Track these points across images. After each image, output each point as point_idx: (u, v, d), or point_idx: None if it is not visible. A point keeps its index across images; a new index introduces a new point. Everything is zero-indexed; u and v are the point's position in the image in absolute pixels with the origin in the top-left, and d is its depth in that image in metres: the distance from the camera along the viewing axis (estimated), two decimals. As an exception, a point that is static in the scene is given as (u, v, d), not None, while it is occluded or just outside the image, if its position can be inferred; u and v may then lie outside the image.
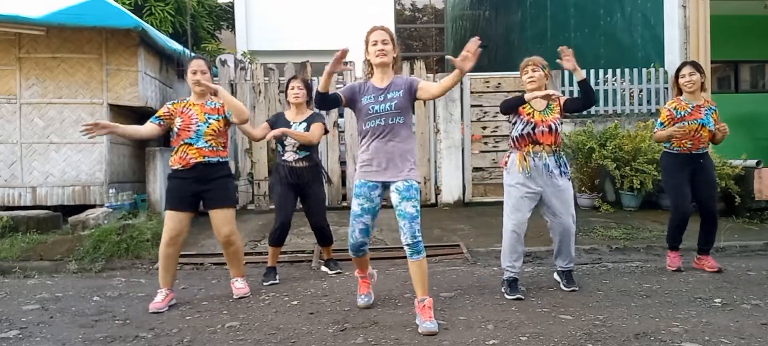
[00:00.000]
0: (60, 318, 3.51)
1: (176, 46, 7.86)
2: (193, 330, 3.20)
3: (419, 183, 3.34)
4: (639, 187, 6.64)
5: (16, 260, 4.94)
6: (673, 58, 7.54)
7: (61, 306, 3.78)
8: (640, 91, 7.80)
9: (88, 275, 4.78)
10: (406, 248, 3.22)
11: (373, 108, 3.27)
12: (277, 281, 4.29)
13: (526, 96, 3.71)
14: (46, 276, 4.73)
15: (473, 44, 2.94)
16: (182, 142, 3.73)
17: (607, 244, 5.25)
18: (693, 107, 4.29)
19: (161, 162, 6.49)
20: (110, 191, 6.43)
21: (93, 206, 6.42)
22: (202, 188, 3.76)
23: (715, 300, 3.59)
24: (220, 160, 3.82)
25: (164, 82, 7.55)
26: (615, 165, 6.69)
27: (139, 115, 7.30)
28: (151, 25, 8.60)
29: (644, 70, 7.87)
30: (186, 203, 3.73)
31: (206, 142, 3.74)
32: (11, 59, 6.58)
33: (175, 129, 3.76)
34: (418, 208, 3.23)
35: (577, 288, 3.86)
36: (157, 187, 6.45)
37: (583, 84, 3.73)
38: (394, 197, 3.25)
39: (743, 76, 9.43)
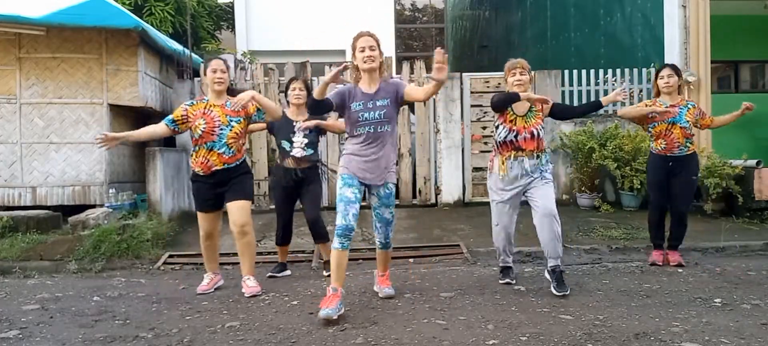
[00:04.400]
0: (60, 318, 3.51)
1: (176, 46, 7.85)
2: (193, 330, 3.20)
3: (396, 183, 3.69)
4: (639, 187, 6.64)
5: (16, 260, 4.94)
6: (673, 58, 7.53)
7: (61, 306, 3.78)
8: (640, 91, 7.79)
9: (88, 275, 4.78)
10: (378, 243, 3.74)
11: (362, 116, 3.43)
12: (286, 272, 4.60)
13: (523, 96, 3.80)
14: (46, 276, 4.73)
15: (439, 54, 3.09)
16: (204, 146, 3.84)
17: (607, 244, 5.25)
18: (667, 107, 4.44)
19: (161, 162, 6.49)
20: (110, 191, 6.42)
21: (93, 206, 6.42)
22: (222, 189, 3.95)
23: (715, 300, 3.59)
24: (238, 163, 3.97)
25: (164, 82, 7.55)
26: (616, 165, 6.69)
27: (139, 114, 7.31)
28: (151, 25, 8.59)
29: (644, 70, 7.87)
30: (210, 204, 3.98)
31: (228, 145, 3.86)
32: (11, 59, 6.57)
33: (199, 132, 3.82)
34: (394, 212, 3.67)
35: (567, 291, 3.72)
36: (157, 187, 6.45)
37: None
38: (374, 200, 3.58)
39: (743, 76, 9.41)
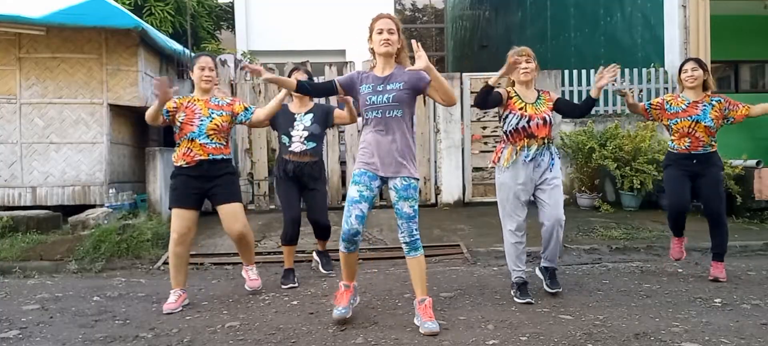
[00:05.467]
0: (60, 318, 3.51)
1: (176, 46, 7.86)
2: (193, 330, 3.20)
3: (417, 180, 3.28)
4: (639, 187, 6.65)
5: (16, 260, 4.94)
6: (673, 58, 7.54)
7: (61, 306, 3.78)
8: (640, 91, 7.80)
9: (88, 275, 4.78)
10: (404, 245, 3.22)
11: (370, 99, 3.19)
12: (297, 285, 4.16)
13: (490, 81, 3.57)
14: (46, 276, 4.73)
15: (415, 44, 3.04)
16: (185, 137, 3.70)
17: (607, 244, 5.24)
18: (689, 103, 4.14)
19: (161, 162, 6.49)
20: (110, 191, 6.43)
21: (93, 206, 6.42)
22: (207, 185, 3.73)
23: (715, 300, 3.59)
24: (224, 157, 3.79)
25: (164, 82, 7.54)
26: (615, 165, 6.69)
27: (139, 115, 7.30)
28: (151, 25, 8.59)
29: (644, 70, 7.87)
30: (191, 200, 3.70)
31: (208, 136, 3.70)
32: (11, 59, 6.57)
33: (178, 123, 3.72)
34: (416, 207, 3.21)
35: (560, 289, 3.76)
36: (157, 187, 6.45)
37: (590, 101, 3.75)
38: (393, 195, 3.22)
39: (743, 76, 9.43)
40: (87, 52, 6.67)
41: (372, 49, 3.25)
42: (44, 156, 6.61)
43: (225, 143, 3.82)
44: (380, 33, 3.17)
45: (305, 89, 3.52)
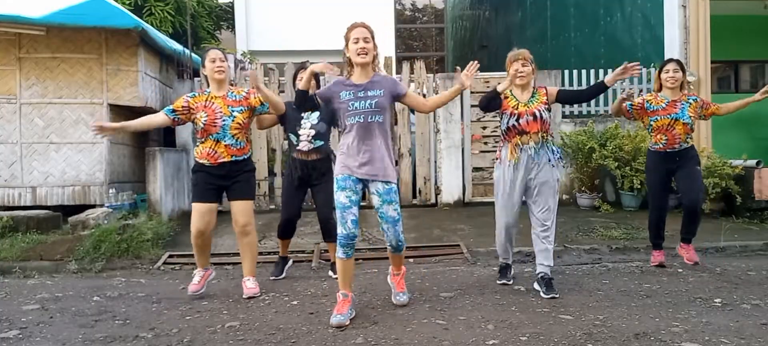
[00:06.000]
0: (60, 318, 3.51)
1: (176, 46, 7.85)
2: (193, 330, 3.20)
3: (397, 184, 3.44)
4: (639, 187, 6.65)
5: (16, 260, 4.94)
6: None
7: (61, 306, 3.78)
8: (640, 91, 7.80)
9: (88, 275, 4.78)
10: (389, 247, 3.51)
11: (352, 105, 3.31)
12: (283, 275, 4.43)
13: (499, 88, 3.83)
14: (46, 276, 4.73)
15: (473, 67, 3.38)
16: (209, 137, 3.78)
17: (607, 244, 5.25)
18: (668, 103, 4.35)
19: (161, 162, 6.49)
20: (110, 191, 6.42)
21: (93, 206, 6.41)
22: (226, 183, 3.88)
23: (715, 300, 3.59)
24: (245, 157, 3.92)
25: (164, 82, 7.55)
26: (616, 165, 6.70)
27: (139, 115, 7.28)
28: (151, 25, 8.58)
29: (644, 70, 7.87)
30: (211, 194, 3.86)
31: (232, 136, 3.79)
32: (11, 59, 6.57)
33: (200, 125, 3.77)
34: (399, 210, 3.41)
35: (556, 295, 3.69)
36: (157, 187, 6.45)
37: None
38: (375, 200, 3.37)
39: (743, 76, 9.43)
40: (87, 52, 6.66)
41: (349, 57, 3.36)
42: (44, 156, 6.61)
43: (246, 141, 3.93)
44: (356, 42, 3.30)
45: (297, 102, 3.54)
